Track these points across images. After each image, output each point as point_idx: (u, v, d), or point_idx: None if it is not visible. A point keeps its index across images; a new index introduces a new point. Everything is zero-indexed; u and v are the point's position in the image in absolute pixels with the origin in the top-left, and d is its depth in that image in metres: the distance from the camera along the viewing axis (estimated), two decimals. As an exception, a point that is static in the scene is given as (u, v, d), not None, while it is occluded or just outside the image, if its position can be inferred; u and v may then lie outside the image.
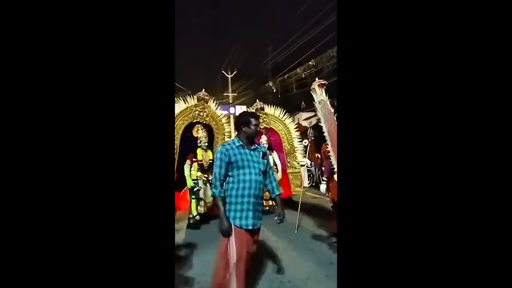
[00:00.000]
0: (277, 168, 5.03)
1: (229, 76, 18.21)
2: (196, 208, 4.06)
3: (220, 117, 5.01)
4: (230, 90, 17.99)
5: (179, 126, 4.51)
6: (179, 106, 4.59)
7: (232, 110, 13.96)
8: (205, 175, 4.10)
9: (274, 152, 5.13)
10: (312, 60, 16.95)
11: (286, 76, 15.95)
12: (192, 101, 4.68)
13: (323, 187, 3.29)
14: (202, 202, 4.10)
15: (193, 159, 4.09)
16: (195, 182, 4.06)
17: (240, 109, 13.20)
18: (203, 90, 4.79)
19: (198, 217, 4.04)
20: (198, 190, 4.08)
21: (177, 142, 4.42)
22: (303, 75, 14.44)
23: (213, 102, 4.92)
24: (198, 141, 4.22)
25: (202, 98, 4.73)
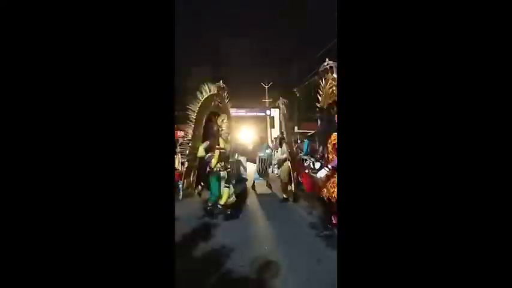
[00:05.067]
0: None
1: (266, 87, 24.03)
2: (228, 197, 3.97)
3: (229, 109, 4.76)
4: (267, 97, 23.79)
5: (202, 116, 4.12)
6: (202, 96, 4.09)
7: (268, 112, 17.10)
8: (228, 164, 4.02)
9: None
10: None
11: (306, 83, 19.47)
12: (213, 90, 4.21)
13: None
14: (231, 191, 4.04)
15: (217, 147, 3.94)
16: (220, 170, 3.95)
17: (274, 112, 15.73)
18: (221, 81, 4.49)
19: (222, 207, 3.87)
20: (229, 177, 4.01)
21: (202, 130, 4.13)
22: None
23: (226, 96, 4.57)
24: (220, 130, 4.10)
25: (221, 88, 4.44)
